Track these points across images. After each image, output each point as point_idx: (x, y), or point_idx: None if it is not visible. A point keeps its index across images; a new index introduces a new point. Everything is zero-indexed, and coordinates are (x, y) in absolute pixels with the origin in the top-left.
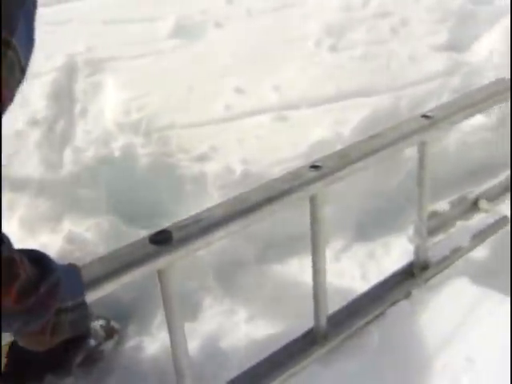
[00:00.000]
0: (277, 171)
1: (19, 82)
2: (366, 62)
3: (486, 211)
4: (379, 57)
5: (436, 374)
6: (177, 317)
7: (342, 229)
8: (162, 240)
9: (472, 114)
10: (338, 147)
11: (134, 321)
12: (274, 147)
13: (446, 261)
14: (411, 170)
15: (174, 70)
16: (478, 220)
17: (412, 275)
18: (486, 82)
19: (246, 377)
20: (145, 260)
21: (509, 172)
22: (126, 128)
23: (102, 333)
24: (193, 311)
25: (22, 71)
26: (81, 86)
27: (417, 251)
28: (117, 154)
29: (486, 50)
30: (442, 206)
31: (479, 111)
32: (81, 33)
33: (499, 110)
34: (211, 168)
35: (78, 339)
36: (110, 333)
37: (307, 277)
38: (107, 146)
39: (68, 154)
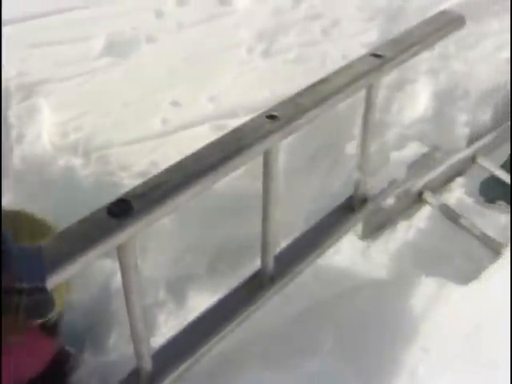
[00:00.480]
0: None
1: None
2: (299, 65)
3: (431, 203)
4: (313, 58)
5: (392, 366)
6: (136, 297)
7: (291, 231)
8: (122, 212)
9: (419, 52)
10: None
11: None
12: None
13: (384, 193)
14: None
15: (109, 88)
16: (413, 152)
17: (352, 209)
18: (420, 75)
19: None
20: (105, 236)
21: (450, 162)
22: (64, 150)
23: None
24: (149, 329)
25: None
26: (15, 111)
27: (357, 186)
28: (57, 176)
29: None
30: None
31: (425, 47)
32: (10, 58)
33: (436, 104)
34: None
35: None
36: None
37: None
38: (47, 170)
39: (6, 182)
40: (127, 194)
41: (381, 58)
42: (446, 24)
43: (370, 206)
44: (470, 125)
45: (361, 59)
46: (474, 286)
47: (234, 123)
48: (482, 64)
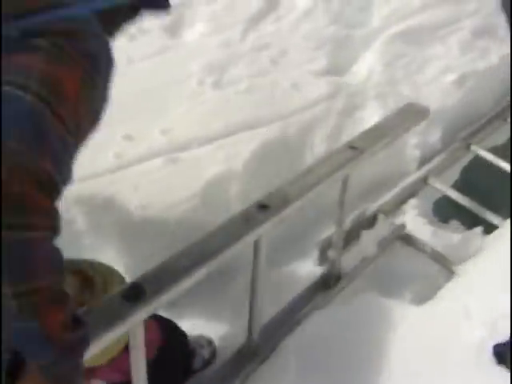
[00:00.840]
0: (175, 213)
1: None
2: (250, 95)
3: (384, 224)
4: (263, 88)
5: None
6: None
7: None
8: (135, 296)
9: (390, 143)
10: (233, 183)
11: None
12: (169, 189)
13: (357, 270)
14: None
15: None
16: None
17: (328, 286)
18: (369, 101)
19: None
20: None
21: (402, 184)
22: None
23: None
24: None
25: None
26: None
27: (331, 264)
28: None
29: (365, 70)
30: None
31: (396, 138)
32: None
33: None
34: (109, 219)
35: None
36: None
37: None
38: None
39: None
40: (140, 278)
41: (356, 150)
42: (413, 115)
43: (343, 283)
44: (420, 147)
45: (339, 151)
46: (430, 305)
47: (187, 155)
48: (429, 87)
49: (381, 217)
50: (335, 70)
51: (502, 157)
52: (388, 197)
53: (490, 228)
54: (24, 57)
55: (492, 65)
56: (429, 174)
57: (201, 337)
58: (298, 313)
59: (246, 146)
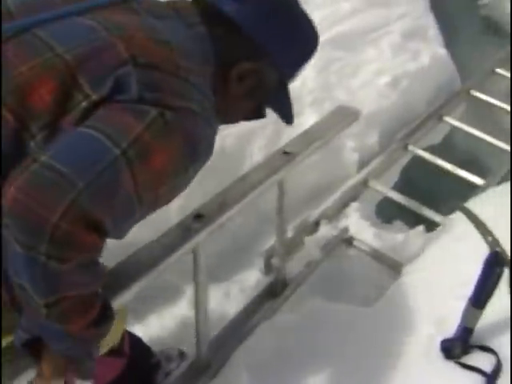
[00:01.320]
0: None
1: None
2: None
3: (327, 229)
4: None
5: None
6: None
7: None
8: None
9: (323, 145)
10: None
11: None
12: None
13: (302, 275)
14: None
15: None
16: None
17: (274, 295)
18: (305, 107)
19: None
20: None
21: (342, 188)
22: None
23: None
24: None
25: None
26: None
27: (276, 272)
28: None
29: (299, 77)
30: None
31: (328, 141)
32: None
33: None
34: None
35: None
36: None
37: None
38: None
39: None
40: None
41: (290, 155)
42: (344, 117)
43: (290, 290)
44: (358, 150)
45: (273, 156)
46: (378, 307)
47: None
48: (363, 90)
49: (323, 222)
50: None
51: (439, 155)
52: (330, 202)
53: (431, 226)
54: (131, 119)
55: (423, 65)
56: (369, 176)
57: (171, 349)
58: (247, 323)
59: None
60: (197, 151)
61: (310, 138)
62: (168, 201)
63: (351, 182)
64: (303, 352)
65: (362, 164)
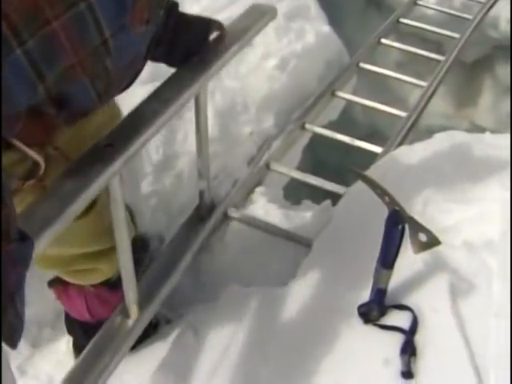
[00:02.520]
0: None
1: None
2: None
3: (237, 218)
4: None
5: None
6: None
7: None
8: None
9: (240, 49)
10: None
11: None
12: None
13: (228, 196)
14: None
15: None
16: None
17: (201, 219)
18: None
19: None
20: None
21: (245, 174)
22: None
23: None
24: None
25: None
26: None
27: (201, 194)
28: None
29: None
30: None
31: (245, 43)
32: None
33: (219, 124)
34: None
35: None
36: None
37: None
38: None
39: None
40: None
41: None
42: (260, 16)
43: (218, 212)
44: (255, 135)
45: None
46: (294, 283)
47: None
48: (253, 75)
49: (231, 210)
50: (159, 77)
51: (338, 131)
52: (235, 190)
53: (338, 199)
54: None
55: (310, 44)
56: (270, 159)
57: None
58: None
59: None
60: None
61: (226, 41)
62: None
63: (252, 168)
64: (227, 342)
65: (263, 149)
